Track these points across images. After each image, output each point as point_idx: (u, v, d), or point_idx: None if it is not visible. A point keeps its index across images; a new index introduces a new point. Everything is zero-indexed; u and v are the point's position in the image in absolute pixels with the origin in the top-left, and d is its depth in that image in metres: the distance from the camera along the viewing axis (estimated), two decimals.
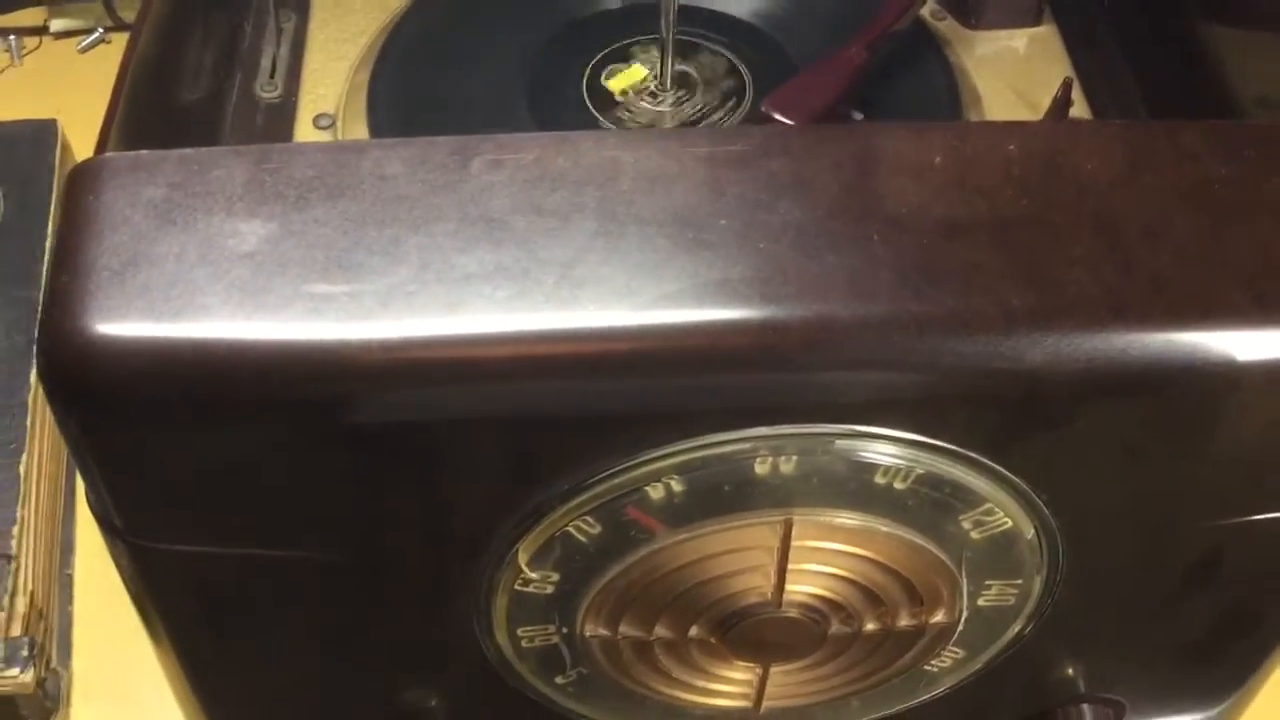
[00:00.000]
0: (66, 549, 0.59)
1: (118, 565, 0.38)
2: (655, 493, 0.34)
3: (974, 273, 0.32)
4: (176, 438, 0.32)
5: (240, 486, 0.34)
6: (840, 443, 0.33)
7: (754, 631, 0.37)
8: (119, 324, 0.31)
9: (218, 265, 0.32)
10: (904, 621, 0.38)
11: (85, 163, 0.34)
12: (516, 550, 0.35)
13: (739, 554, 0.35)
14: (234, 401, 0.32)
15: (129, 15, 0.78)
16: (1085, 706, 0.44)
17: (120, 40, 0.79)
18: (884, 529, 0.35)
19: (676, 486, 0.34)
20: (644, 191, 0.33)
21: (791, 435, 0.33)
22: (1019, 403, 0.32)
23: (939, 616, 0.38)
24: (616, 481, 0.33)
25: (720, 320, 0.31)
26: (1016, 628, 0.40)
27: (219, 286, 0.32)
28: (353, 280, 0.32)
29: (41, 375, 0.32)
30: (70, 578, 0.58)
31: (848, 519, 0.35)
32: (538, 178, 0.34)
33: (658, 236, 0.32)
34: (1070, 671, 0.43)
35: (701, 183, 0.34)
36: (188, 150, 0.34)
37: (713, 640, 0.38)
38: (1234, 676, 0.45)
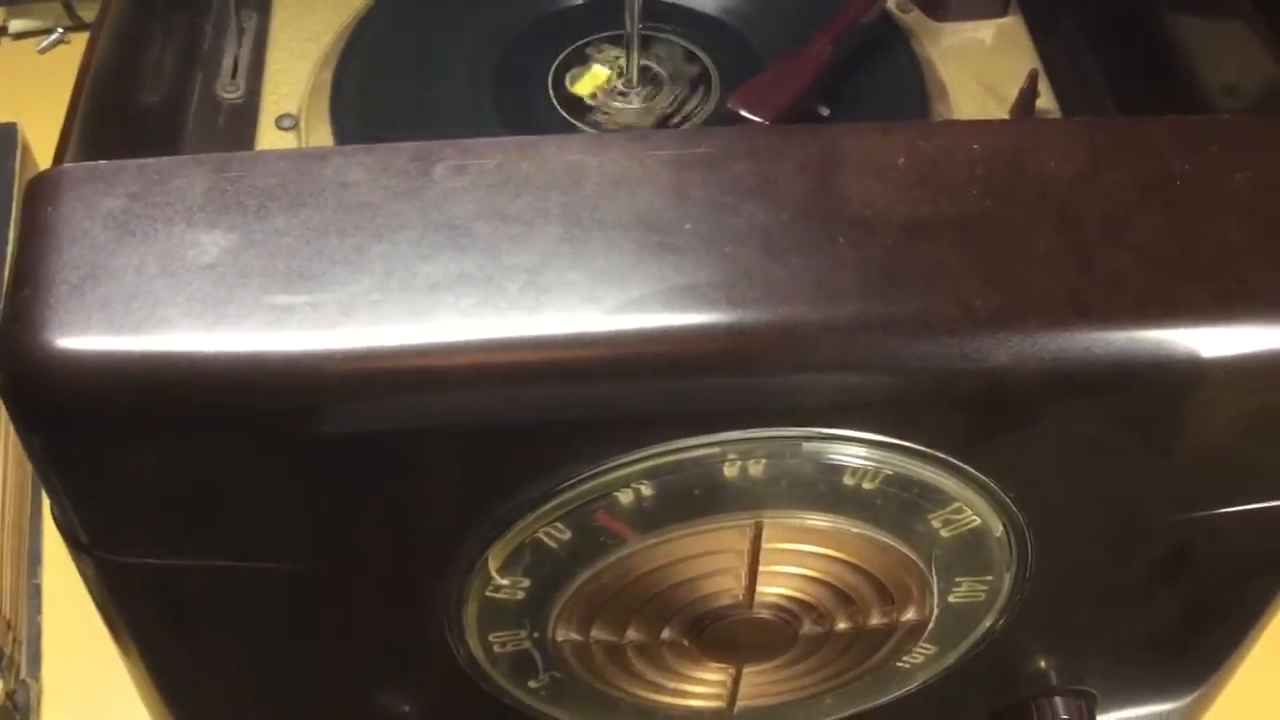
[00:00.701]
0: (34, 559, 0.58)
1: (84, 578, 0.37)
2: (624, 498, 0.34)
3: (938, 274, 0.32)
4: (140, 452, 0.32)
5: (206, 499, 0.34)
6: (808, 445, 0.33)
7: (726, 633, 0.37)
8: (79, 338, 0.31)
9: (178, 277, 0.32)
10: (875, 620, 0.38)
11: (43, 174, 0.34)
12: (486, 557, 0.35)
13: (710, 557, 0.35)
14: (197, 414, 0.31)
15: (88, 15, 0.77)
16: (1057, 698, 0.45)
17: (80, 40, 0.78)
18: (854, 530, 0.35)
19: (646, 491, 0.34)
20: (608, 196, 0.33)
21: (760, 439, 0.33)
22: (984, 403, 0.33)
23: (910, 614, 0.38)
24: (585, 488, 0.33)
25: (686, 325, 0.31)
26: (988, 623, 0.40)
27: (180, 299, 0.31)
28: (315, 290, 0.31)
29: (2, 392, 0.32)
30: (38, 588, 0.58)
31: (817, 520, 0.35)
32: (501, 183, 0.33)
33: (623, 241, 0.32)
34: (1042, 664, 0.44)
35: (666, 186, 0.33)
36: (147, 160, 0.34)
37: (685, 642, 0.38)
38: (1204, 666, 0.45)
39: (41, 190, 0.33)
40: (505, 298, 0.31)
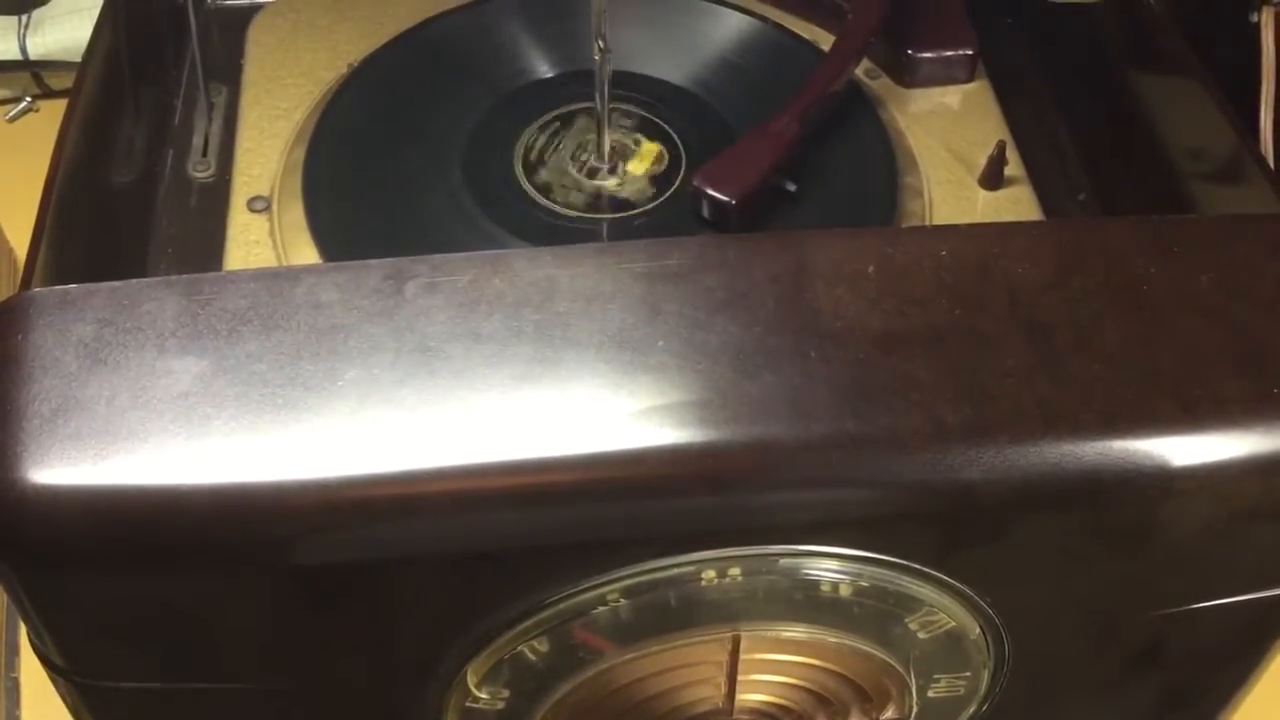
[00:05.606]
0: (11, 651, 0.58)
1: (62, 697, 0.37)
2: (603, 614, 0.34)
3: (910, 388, 0.32)
4: (116, 585, 0.32)
5: (183, 628, 0.33)
6: (784, 561, 0.33)
7: None
8: (51, 474, 0.31)
9: (151, 408, 0.31)
10: (855, 719, 0.38)
11: (11, 300, 0.34)
12: (465, 672, 0.35)
13: (689, 669, 0.35)
14: (173, 549, 0.31)
15: (57, 83, 0.77)
16: None
17: (49, 108, 0.78)
18: (831, 638, 0.35)
19: (623, 608, 0.34)
20: (581, 313, 0.33)
21: (735, 557, 0.33)
22: (957, 516, 0.33)
23: (889, 713, 0.38)
24: (563, 606, 0.33)
25: (660, 448, 0.31)
26: (968, 712, 0.40)
27: (153, 431, 0.31)
28: (290, 420, 0.31)
29: None
30: (16, 681, 0.57)
31: (795, 631, 0.35)
32: (474, 301, 0.33)
33: (596, 361, 0.32)
34: None
35: (638, 301, 0.34)
36: (117, 283, 0.34)
37: None
38: None
39: (11, 317, 0.33)
40: (479, 424, 0.31)
